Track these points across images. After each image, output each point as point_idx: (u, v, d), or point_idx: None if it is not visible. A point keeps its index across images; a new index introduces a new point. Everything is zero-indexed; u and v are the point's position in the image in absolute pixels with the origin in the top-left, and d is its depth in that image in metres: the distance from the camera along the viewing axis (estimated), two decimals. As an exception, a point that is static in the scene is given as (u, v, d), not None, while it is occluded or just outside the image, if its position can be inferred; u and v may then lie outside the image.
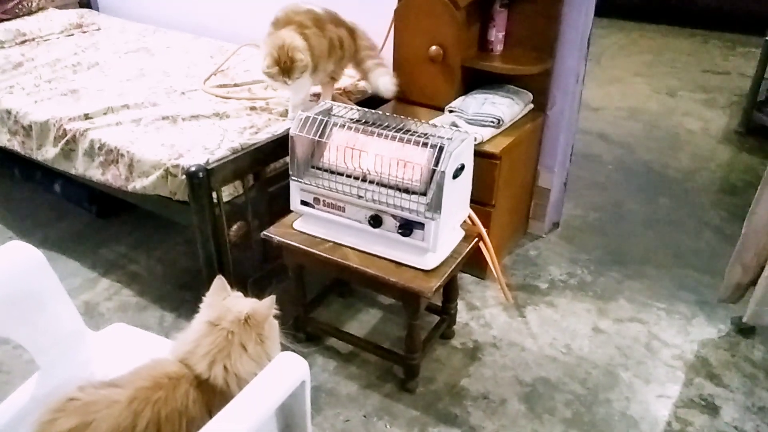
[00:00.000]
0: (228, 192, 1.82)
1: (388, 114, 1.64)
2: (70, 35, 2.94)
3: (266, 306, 1.16)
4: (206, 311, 1.18)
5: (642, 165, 3.06)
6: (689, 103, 3.84)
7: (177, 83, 2.34)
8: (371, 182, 1.55)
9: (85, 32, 3.00)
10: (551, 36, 2.09)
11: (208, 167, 1.70)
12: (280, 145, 1.89)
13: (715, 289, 2.17)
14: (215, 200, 1.76)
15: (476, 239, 1.71)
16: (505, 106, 2.05)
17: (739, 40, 5.05)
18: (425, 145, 1.50)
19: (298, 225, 1.73)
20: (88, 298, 2.09)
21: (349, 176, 1.58)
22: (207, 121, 2.00)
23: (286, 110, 2.04)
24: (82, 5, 3.38)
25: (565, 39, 2.11)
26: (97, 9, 3.45)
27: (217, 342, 1.11)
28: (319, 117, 1.59)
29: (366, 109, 1.66)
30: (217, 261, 1.82)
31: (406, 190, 1.52)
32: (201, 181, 1.67)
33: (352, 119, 1.64)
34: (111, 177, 1.90)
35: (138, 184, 1.83)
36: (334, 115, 1.66)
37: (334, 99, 2.18)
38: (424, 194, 1.50)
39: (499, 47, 2.16)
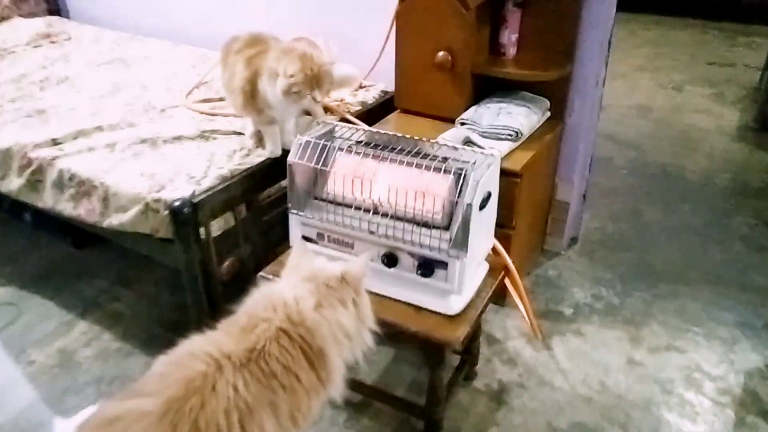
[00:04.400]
0: (218, 225, 1.61)
1: (399, 135, 1.43)
2: (37, 46, 2.70)
3: (360, 266, 1.13)
4: (294, 272, 1.14)
5: (657, 168, 2.88)
6: (697, 98, 3.67)
7: (156, 98, 2.11)
8: (384, 215, 1.35)
9: (54, 42, 2.75)
10: (570, 37, 1.89)
11: (194, 200, 1.49)
12: (276, 168, 1.69)
13: (754, 307, 2.00)
14: (203, 236, 1.55)
15: (502, 273, 1.51)
16: (523, 116, 1.85)
17: (739, 29, 4.89)
18: (445, 171, 1.30)
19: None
20: (63, 344, 1.86)
21: (357, 208, 1.37)
22: (191, 144, 1.78)
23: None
24: (51, 13, 3.13)
25: (585, 39, 1.91)
26: (67, 16, 3.21)
27: (319, 290, 1.09)
28: (321, 141, 1.38)
29: (373, 129, 1.46)
30: (208, 302, 1.62)
31: (425, 224, 1.31)
32: (186, 217, 1.46)
33: (358, 142, 1.43)
34: (84, 212, 1.67)
35: (114, 221, 1.61)
36: (337, 138, 1.46)
37: (331, 111, 1.97)
38: (446, 229, 1.30)
39: (512, 51, 1.96)
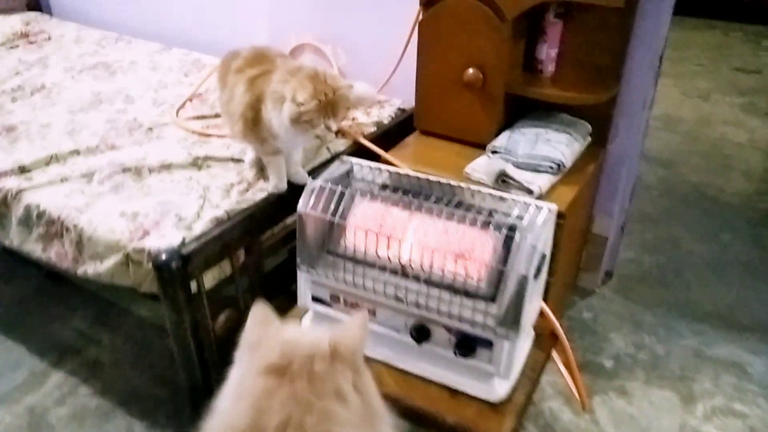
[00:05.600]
0: (212, 275, 1.36)
1: (431, 178, 1.19)
2: (13, 47, 2.44)
3: (356, 331, 0.74)
4: (255, 357, 0.73)
5: (691, 189, 2.65)
6: (726, 108, 3.43)
7: (142, 114, 1.86)
8: (414, 278, 1.11)
9: (32, 43, 2.49)
10: (619, 52, 1.64)
11: (184, 251, 1.24)
12: (280, 205, 1.45)
13: (818, 362, 1.77)
14: (194, 289, 1.31)
15: (551, 343, 1.28)
16: (564, 145, 1.61)
17: (762, 32, 4.65)
18: (490, 227, 1.07)
19: (308, 325, 1.28)
20: (34, 401, 1.62)
21: (381, 268, 1.13)
22: (182, 174, 1.53)
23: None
24: (31, 7, 2.86)
25: (634, 54, 1.67)
26: (49, 12, 2.94)
27: (296, 390, 0.67)
28: (337, 187, 1.14)
29: (401, 170, 1.21)
30: (199, 362, 1.37)
31: (466, 293, 1.08)
32: (174, 273, 1.22)
33: (382, 186, 1.19)
34: (54, 255, 1.43)
35: (90, 269, 1.36)
36: (356, 179, 1.21)
37: (342, 134, 1.72)
38: (492, 300, 1.07)
39: (550, 68, 1.71)
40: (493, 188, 1.53)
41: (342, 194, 1.13)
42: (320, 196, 1.13)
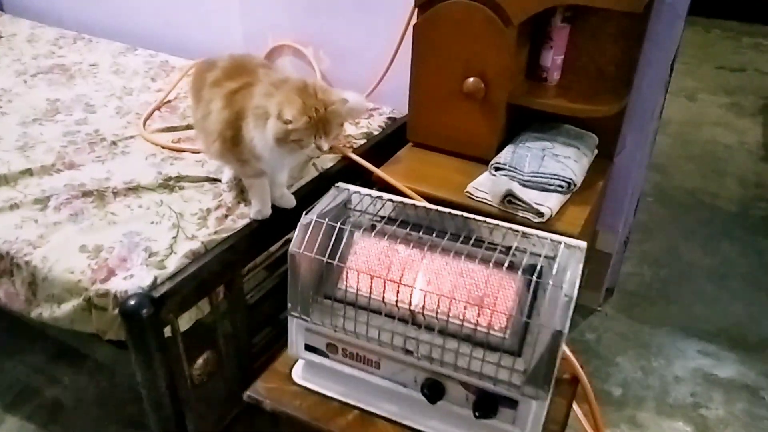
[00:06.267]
0: (188, 316, 1.20)
1: (440, 209, 1.04)
2: (-42, 48, 2.20)
3: None
4: None
5: (686, 195, 2.56)
6: (714, 108, 3.37)
7: (105, 125, 1.67)
8: (426, 328, 0.97)
9: (-20, 42, 2.26)
10: (632, 59, 1.52)
11: (156, 295, 1.08)
12: (264, 232, 1.30)
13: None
14: (169, 333, 1.14)
15: (573, 386, 1.15)
16: (573, 160, 1.48)
17: (742, 29, 4.61)
18: (513, 268, 0.93)
19: (300, 376, 1.13)
20: (-16, 455, 1.44)
21: (388, 316, 0.99)
22: (151, 198, 1.36)
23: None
24: (-21, 2, 2.62)
25: (647, 61, 1.55)
26: (1, 8, 2.70)
27: None
28: (336, 224, 0.99)
29: (405, 200, 1.07)
30: (174, 412, 1.21)
31: (487, 345, 0.94)
32: (145, 321, 1.05)
33: (387, 219, 1.04)
34: (4, 295, 1.24)
35: (45, 313, 1.18)
36: (354, 211, 1.06)
37: (331, 148, 1.56)
38: (517, 354, 0.93)
39: (555, 75, 1.58)
40: (499, 209, 1.41)
41: (341, 232, 0.98)
42: (315, 233, 0.98)
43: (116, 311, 1.08)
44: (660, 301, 1.98)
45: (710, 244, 2.25)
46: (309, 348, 1.07)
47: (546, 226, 1.35)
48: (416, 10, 1.51)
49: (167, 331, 1.14)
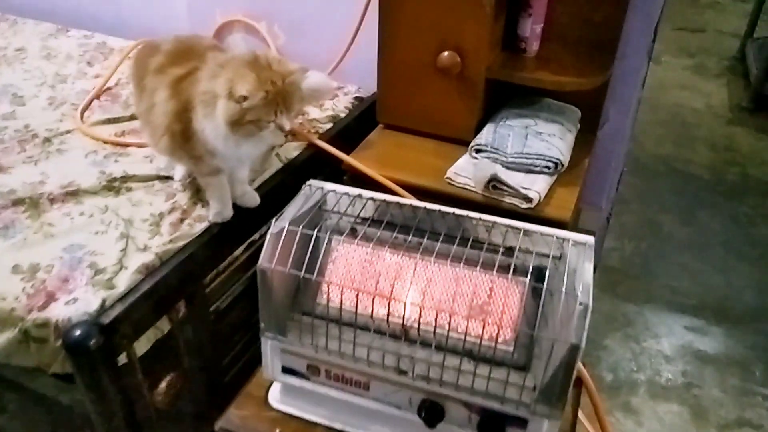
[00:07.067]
0: (146, 338, 1.06)
1: (428, 206, 0.92)
2: None
3: None
4: None
5: (659, 162, 2.51)
6: (678, 72, 3.33)
7: (36, 119, 1.48)
8: (421, 344, 0.85)
9: None
10: (615, 26, 1.41)
11: (106, 321, 0.93)
12: (226, 236, 1.15)
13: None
14: (124, 359, 1.00)
15: (577, 389, 1.06)
16: (557, 137, 1.38)
17: (698, -13, 4.59)
18: (516, 272, 0.82)
19: (278, 399, 1.00)
20: None
21: (378, 332, 0.87)
22: (94, 203, 1.19)
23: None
24: None
25: (629, 28, 1.44)
26: None
27: None
28: (312, 232, 0.85)
29: (387, 198, 0.94)
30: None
31: (491, 361, 0.83)
32: (93, 353, 0.91)
33: (365, 220, 0.91)
34: (-75, 327, 1.07)
35: (-24, 346, 1.02)
36: (330, 212, 0.93)
37: (293, 134, 1.42)
38: (524, 369, 0.83)
39: (534, 46, 1.46)
40: (482, 195, 1.30)
41: (318, 240, 0.85)
42: (288, 243, 0.85)
43: (59, 343, 0.93)
44: (642, 277, 1.92)
45: (687, 213, 2.21)
46: (287, 370, 0.95)
47: (534, 211, 1.24)
48: (382, -22, 1.36)
49: (122, 358, 1.00)
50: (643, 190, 2.33)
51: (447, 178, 1.33)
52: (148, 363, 1.07)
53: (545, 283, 0.79)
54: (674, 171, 2.46)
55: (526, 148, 1.34)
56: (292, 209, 0.90)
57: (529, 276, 0.81)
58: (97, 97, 1.59)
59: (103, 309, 0.96)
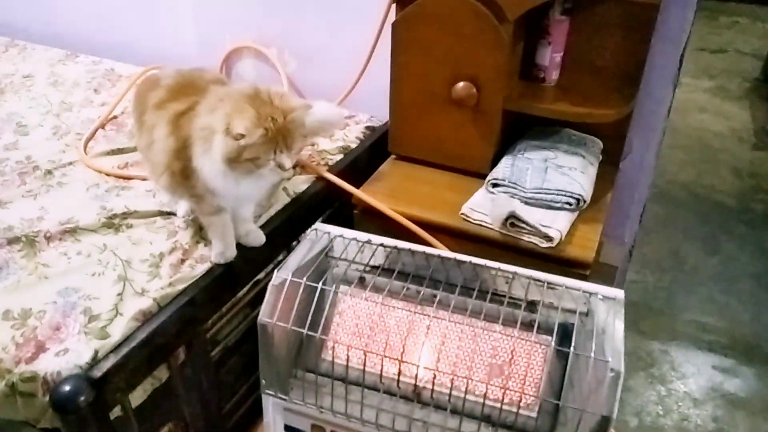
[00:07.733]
0: (142, 388, 1.00)
1: (443, 254, 0.86)
2: None
3: None
4: None
5: (681, 189, 2.42)
6: (699, 94, 3.24)
7: (39, 150, 1.44)
8: (435, 407, 0.78)
9: None
10: (639, 55, 1.35)
11: (97, 374, 0.87)
12: (228, 278, 1.09)
13: None
14: (120, 412, 0.94)
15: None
16: (579, 171, 1.31)
17: (718, 7, 4.51)
18: (537, 328, 0.75)
19: (282, 458, 0.93)
20: None
21: (388, 393, 0.80)
22: (92, 241, 1.14)
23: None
24: None
25: (655, 56, 1.38)
26: None
27: None
28: (314, 282, 0.79)
29: (400, 243, 0.87)
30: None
31: (510, 426, 0.76)
32: (83, 410, 0.85)
33: (375, 268, 0.85)
34: None
35: (-38, 398, 0.97)
36: (337, 259, 0.87)
37: (301, 167, 1.36)
38: (549, 436, 0.75)
39: (554, 75, 1.40)
40: (500, 233, 1.23)
41: (323, 294, 0.79)
42: (291, 295, 0.79)
43: (47, 398, 0.87)
44: (667, 311, 1.83)
45: (713, 244, 2.12)
46: (290, 429, 0.88)
47: (555, 251, 1.17)
48: (394, 5, 1.31)
49: (117, 411, 0.94)
50: (665, 219, 2.25)
51: (462, 213, 1.27)
52: (145, 412, 1.01)
53: (572, 346, 0.72)
54: (697, 198, 2.37)
55: (546, 182, 1.27)
56: (296, 257, 0.84)
57: (554, 336, 0.74)
58: (102, 126, 1.55)
59: (95, 361, 0.90)
